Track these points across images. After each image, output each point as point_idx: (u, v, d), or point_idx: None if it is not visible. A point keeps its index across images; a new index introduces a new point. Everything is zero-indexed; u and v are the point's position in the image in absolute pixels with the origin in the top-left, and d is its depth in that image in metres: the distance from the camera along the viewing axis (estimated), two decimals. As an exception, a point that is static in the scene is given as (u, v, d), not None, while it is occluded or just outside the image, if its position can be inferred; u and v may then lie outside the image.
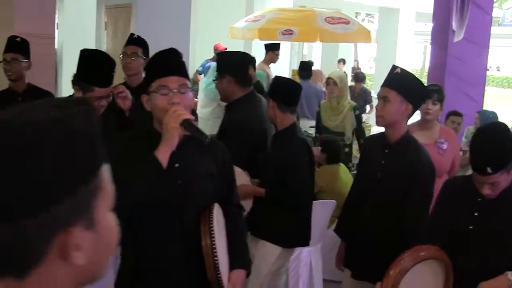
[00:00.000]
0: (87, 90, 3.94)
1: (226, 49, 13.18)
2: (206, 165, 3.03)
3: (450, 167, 5.57)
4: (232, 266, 3.12)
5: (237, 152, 4.53)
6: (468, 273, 3.28)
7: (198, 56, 14.43)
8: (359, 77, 12.34)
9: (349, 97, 7.48)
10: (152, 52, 7.24)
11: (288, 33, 10.22)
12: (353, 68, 20.99)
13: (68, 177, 1.04)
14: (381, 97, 3.93)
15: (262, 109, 4.84)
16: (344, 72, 16.26)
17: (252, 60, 5.17)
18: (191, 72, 9.40)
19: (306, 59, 19.88)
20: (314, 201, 4.74)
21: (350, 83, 12.80)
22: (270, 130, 4.82)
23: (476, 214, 3.28)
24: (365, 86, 12.35)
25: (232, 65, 4.88)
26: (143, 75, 5.46)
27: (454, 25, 9.47)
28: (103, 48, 10.22)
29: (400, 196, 3.91)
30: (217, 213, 3.00)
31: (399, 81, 3.90)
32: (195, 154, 2.95)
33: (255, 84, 5.17)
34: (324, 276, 5.79)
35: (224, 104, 5.02)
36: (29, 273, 1.05)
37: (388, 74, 3.98)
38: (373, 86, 18.93)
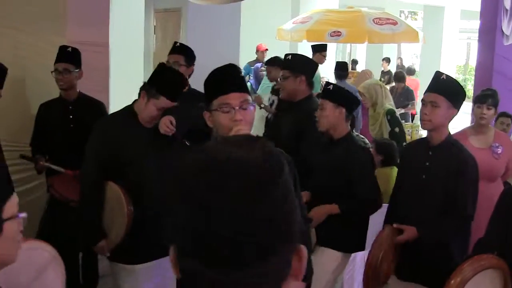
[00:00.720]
0: (154, 97, 4.00)
1: (267, 50, 13.22)
2: None
3: (504, 171, 5.53)
4: None
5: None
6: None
7: (243, 59, 14.46)
8: (399, 76, 12.21)
9: (386, 101, 7.31)
10: (201, 57, 7.37)
11: (336, 35, 10.25)
12: (397, 66, 20.84)
13: None
14: (429, 101, 4.02)
15: None
16: (389, 70, 16.15)
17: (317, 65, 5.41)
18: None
19: (351, 59, 19.82)
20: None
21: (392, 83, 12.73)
22: None
23: None
24: (407, 85, 12.21)
25: (307, 66, 5.18)
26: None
27: (504, 28, 9.34)
28: (151, 52, 10.29)
29: (446, 195, 3.98)
30: None
31: (447, 87, 4.02)
32: None
33: None
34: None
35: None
36: None
37: (434, 79, 4.09)
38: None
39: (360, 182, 4.34)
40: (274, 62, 8.60)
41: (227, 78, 2.84)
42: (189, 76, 5.49)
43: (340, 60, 14.61)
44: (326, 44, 10.63)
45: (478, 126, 5.56)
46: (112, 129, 4.12)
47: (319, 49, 10.51)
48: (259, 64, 12.94)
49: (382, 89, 5.93)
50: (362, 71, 10.98)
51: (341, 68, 10.27)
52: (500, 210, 3.51)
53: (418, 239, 3.98)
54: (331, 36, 10.31)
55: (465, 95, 4.18)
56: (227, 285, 1.06)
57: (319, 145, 4.62)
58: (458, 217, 3.95)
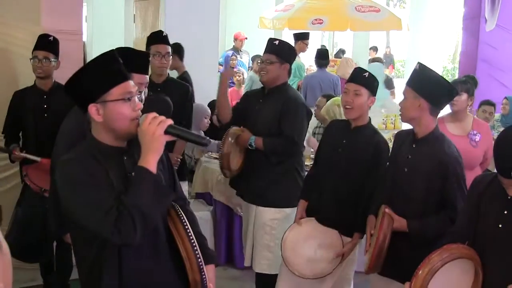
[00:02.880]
0: None
1: (246, 38, 13.20)
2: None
3: (482, 160, 5.50)
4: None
5: (303, 129, 5.11)
6: (497, 272, 3.21)
7: (225, 48, 14.38)
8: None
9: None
10: (184, 45, 7.31)
11: (318, 22, 10.18)
12: (385, 55, 20.80)
13: None
14: (403, 93, 4.02)
15: None
16: (378, 57, 16.04)
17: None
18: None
19: (338, 48, 19.74)
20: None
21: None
22: None
23: (506, 212, 3.19)
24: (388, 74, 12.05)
25: (291, 55, 5.27)
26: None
27: (486, 13, 9.32)
28: (132, 40, 10.24)
29: (428, 193, 3.90)
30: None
31: (415, 78, 3.96)
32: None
33: None
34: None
35: None
36: None
37: (412, 73, 4.02)
38: (405, 73, 18.73)
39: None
40: None
41: (119, 67, 2.73)
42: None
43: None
44: (308, 33, 10.57)
45: (453, 113, 5.55)
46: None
47: (301, 37, 10.44)
48: (230, 52, 12.90)
49: (339, 108, 5.90)
50: (344, 58, 10.94)
51: (322, 56, 10.17)
52: (470, 198, 3.46)
53: (403, 235, 3.92)
54: (312, 24, 10.24)
55: (444, 85, 3.98)
56: None
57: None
58: (447, 217, 3.83)
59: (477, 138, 5.43)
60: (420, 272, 3.18)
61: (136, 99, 2.73)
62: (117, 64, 2.72)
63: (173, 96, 5.32)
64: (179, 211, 2.88)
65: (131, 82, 2.72)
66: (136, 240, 2.56)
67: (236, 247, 6.49)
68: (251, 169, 5.19)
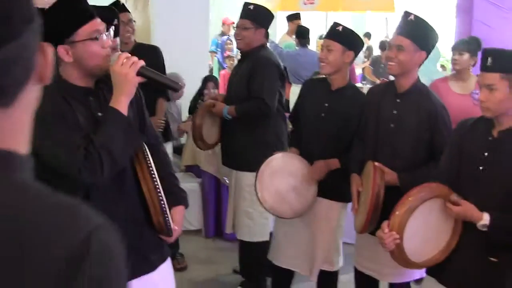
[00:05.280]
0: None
1: (233, 23, 13.12)
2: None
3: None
4: (170, 204, 3.00)
5: (273, 89, 4.93)
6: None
7: (214, 31, 14.29)
8: (383, 45, 12.00)
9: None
10: (170, 31, 7.22)
11: (309, 3, 10.13)
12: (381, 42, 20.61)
13: None
14: (395, 45, 3.83)
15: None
16: (370, 46, 15.98)
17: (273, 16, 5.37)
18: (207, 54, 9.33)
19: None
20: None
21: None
22: None
23: (486, 154, 3.15)
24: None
25: (267, 19, 5.17)
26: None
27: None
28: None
29: (414, 145, 3.83)
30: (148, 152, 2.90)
31: (414, 30, 3.81)
32: (109, 99, 2.73)
33: None
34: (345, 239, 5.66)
35: None
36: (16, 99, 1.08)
37: (401, 21, 3.87)
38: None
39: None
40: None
41: (85, 6, 2.70)
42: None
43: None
44: (299, 13, 10.52)
45: (457, 72, 5.64)
46: None
47: (292, 18, 10.42)
48: (225, 38, 12.83)
49: None
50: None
51: (302, 35, 10.04)
52: (453, 140, 3.39)
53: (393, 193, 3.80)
54: (304, 4, 10.21)
55: (437, 36, 3.95)
56: None
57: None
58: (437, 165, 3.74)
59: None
60: (397, 210, 3.14)
61: (104, 37, 2.69)
62: (82, 3, 2.69)
63: (147, 61, 5.26)
64: (146, 152, 2.85)
65: (98, 20, 2.68)
66: (101, 179, 2.55)
67: (224, 219, 6.46)
68: (229, 135, 5.14)
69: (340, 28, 4.31)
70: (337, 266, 4.62)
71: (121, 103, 2.64)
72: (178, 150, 7.23)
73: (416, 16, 3.82)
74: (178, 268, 5.65)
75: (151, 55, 5.49)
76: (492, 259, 3.04)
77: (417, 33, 3.80)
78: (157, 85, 2.87)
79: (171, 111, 6.75)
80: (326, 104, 4.37)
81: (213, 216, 6.62)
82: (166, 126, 5.88)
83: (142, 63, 2.70)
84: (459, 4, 10.03)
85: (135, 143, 2.78)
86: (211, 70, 11.05)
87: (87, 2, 2.71)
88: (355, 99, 4.34)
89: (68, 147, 2.52)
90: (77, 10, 2.64)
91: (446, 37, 10.30)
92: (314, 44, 12.32)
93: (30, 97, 1.12)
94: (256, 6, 5.16)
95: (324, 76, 4.44)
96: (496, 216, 3.02)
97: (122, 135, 2.63)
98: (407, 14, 3.86)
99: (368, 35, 18.27)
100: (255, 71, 4.92)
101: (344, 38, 4.28)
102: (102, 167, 2.52)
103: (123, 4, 5.76)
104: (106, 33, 2.73)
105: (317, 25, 12.75)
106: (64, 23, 2.61)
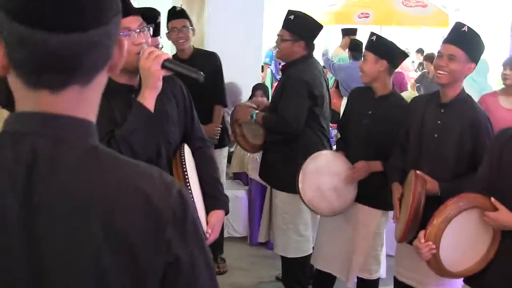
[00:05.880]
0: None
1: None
2: (167, 106, 2.95)
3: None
4: (209, 207, 3.06)
5: (297, 108, 4.72)
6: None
7: (269, 43, 14.27)
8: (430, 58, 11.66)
9: None
10: (224, 43, 7.25)
11: (364, 16, 10.14)
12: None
13: None
14: (447, 54, 3.82)
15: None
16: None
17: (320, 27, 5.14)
18: (260, 63, 9.33)
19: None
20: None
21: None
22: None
23: None
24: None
25: (309, 31, 4.93)
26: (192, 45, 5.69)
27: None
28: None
29: (460, 155, 3.82)
30: (188, 154, 2.95)
31: (466, 41, 3.81)
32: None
33: None
34: (389, 251, 5.64)
35: None
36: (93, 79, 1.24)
37: (453, 30, 3.88)
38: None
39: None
40: None
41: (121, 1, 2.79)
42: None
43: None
44: (356, 28, 10.50)
45: (506, 87, 5.64)
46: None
47: (349, 33, 10.36)
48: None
49: None
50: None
51: (356, 48, 10.00)
52: (493, 149, 3.35)
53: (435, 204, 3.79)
54: (359, 18, 10.23)
55: (484, 47, 3.93)
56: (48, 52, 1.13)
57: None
58: None
59: (530, 112, 5.44)
60: (435, 220, 3.15)
61: (135, 34, 2.77)
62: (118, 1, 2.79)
63: (204, 68, 5.34)
64: (182, 153, 2.90)
65: (131, 18, 2.76)
66: None
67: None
68: (266, 145, 5.12)
69: (374, 38, 4.41)
70: (376, 275, 4.63)
71: (145, 96, 2.71)
72: (227, 158, 7.29)
73: (469, 28, 3.83)
74: (218, 272, 5.72)
75: (208, 61, 5.61)
76: None
77: (469, 44, 3.81)
78: (181, 77, 2.90)
79: (227, 118, 6.84)
80: (370, 112, 4.41)
81: (259, 223, 6.64)
82: (223, 132, 5.90)
83: (166, 56, 2.73)
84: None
85: (158, 136, 2.83)
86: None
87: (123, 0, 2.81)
88: (397, 106, 4.36)
89: None
90: None
91: (501, 55, 10.19)
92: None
93: (102, 80, 1.29)
94: (298, 16, 4.94)
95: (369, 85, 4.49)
96: None
97: (143, 128, 2.70)
98: (460, 25, 3.86)
99: (421, 51, 18.13)
100: (284, 88, 4.82)
101: (376, 48, 4.36)
102: None
103: (180, 10, 5.77)
104: (138, 30, 2.79)
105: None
106: None
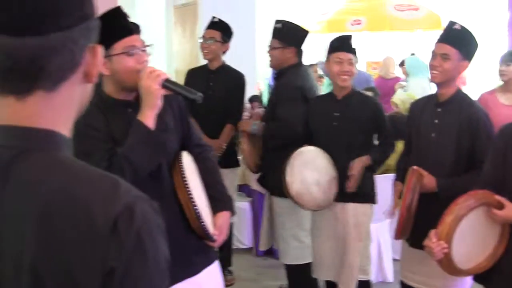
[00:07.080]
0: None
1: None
2: (165, 119, 2.96)
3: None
4: (215, 210, 3.10)
5: (293, 113, 4.78)
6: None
7: (261, 53, 14.28)
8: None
9: None
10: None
11: (356, 23, 10.16)
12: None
13: None
14: (440, 53, 3.82)
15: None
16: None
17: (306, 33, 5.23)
18: (255, 78, 9.42)
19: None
20: (377, 175, 4.77)
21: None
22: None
23: None
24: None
25: (297, 37, 5.09)
26: (222, 58, 5.71)
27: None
28: (173, 47, 10.35)
29: (459, 153, 3.81)
30: (187, 160, 2.98)
31: (459, 39, 3.82)
32: None
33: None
34: (395, 255, 5.64)
35: None
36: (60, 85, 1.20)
37: (446, 29, 3.89)
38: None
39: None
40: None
41: (124, 21, 2.83)
42: (224, 52, 5.73)
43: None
44: (350, 35, 10.47)
45: (504, 84, 5.66)
46: None
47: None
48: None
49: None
50: (386, 58, 10.83)
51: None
52: (497, 147, 3.33)
53: (434, 203, 3.81)
54: (352, 25, 10.24)
55: (477, 45, 3.93)
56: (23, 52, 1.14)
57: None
58: (478, 173, 3.55)
59: (528, 108, 5.45)
60: (446, 218, 3.14)
61: (140, 52, 2.82)
62: (120, 19, 2.82)
63: (226, 83, 5.52)
64: (181, 160, 2.93)
65: (135, 36, 2.83)
66: None
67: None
68: (264, 154, 5.19)
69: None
70: (370, 275, 4.69)
71: (146, 115, 2.76)
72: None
73: (461, 26, 3.84)
74: (225, 285, 5.67)
75: (232, 78, 5.72)
76: None
77: (463, 42, 3.82)
78: (180, 96, 2.94)
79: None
80: (337, 114, 4.51)
81: (264, 234, 6.65)
82: (230, 152, 5.80)
83: (165, 76, 2.80)
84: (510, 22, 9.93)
85: (160, 152, 2.87)
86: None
87: (127, 19, 2.83)
88: (364, 106, 4.50)
89: (94, 157, 2.64)
90: (116, 25, 2.76)
91: (498, 52, 10.18)
92: (363, 64, 12.34)
93: (74, 89, 1.25)
94: (285, 24, 5.09)
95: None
96: None
97: (143, 146, 2.75)
98: (452, 23, 3.88)
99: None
100: (278, 96, 4.98)
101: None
102: (124, 176, 2.61)
103: (215, 21, 5.76)
104: (143, 49, 2.84)
105: (365, 45, 12.74)
106: (102, 37, 2.73)
